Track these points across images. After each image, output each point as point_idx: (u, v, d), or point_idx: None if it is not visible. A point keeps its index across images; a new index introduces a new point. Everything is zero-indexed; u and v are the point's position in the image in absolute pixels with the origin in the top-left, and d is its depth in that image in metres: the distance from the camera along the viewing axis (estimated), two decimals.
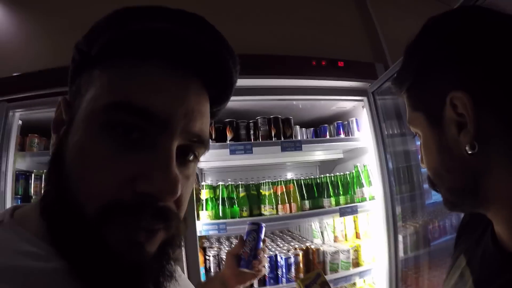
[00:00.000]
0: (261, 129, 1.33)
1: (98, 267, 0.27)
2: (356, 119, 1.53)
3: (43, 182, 1.37)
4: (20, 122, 1.50)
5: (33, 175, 1.40)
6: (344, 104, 1.50)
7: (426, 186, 1.70)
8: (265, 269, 0.90)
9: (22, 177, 1.42)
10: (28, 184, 1.41)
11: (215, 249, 1.38)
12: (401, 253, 1.50)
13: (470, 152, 0.35)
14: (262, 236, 0.86)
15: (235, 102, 1.32)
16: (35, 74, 1.36)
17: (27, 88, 1.36)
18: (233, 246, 0.87)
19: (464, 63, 0.36)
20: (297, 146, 1.27)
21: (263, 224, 0.88)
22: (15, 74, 1.49)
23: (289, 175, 1.63)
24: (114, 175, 0.28)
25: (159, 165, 0.28)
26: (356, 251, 1.49)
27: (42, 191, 0.35)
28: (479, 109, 0.34)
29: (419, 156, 0.48)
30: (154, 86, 0.30)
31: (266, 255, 0.86)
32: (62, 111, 0.34)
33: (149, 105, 0.29)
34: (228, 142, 1.30)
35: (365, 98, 1.47)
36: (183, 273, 1.26)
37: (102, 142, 0.28)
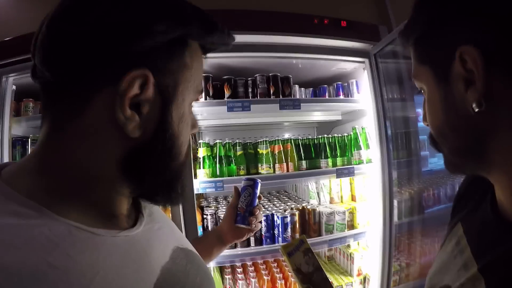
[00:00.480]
0: (260, 87, 1.30)
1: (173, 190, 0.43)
2: (356, 81, 1.51)
3: None
4: (14, 87, 1.46)
5: (29, 140, 1.37)
6: (345, 65, 1.46)
7: (423, 153, 1.71)
8: (260, 225, 0.91)
9: (19, 143, 1.41)
10: (25, 149, 1.39)
11: (213, 208, 1.39)
12: (395, 218, 1.52)
13: (476, 110, 0.34)
14: (258, 192, 0.87)
15: (233, 58, 1.29)
16: (27, 37, 1.30)
17: (19, 52, 1.31)
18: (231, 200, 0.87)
19: (477, 16, 0.34)
20: (295, 105, 1.25)
21: (259, 180, 0.88)
22: (6, 39, 1.44)
23: (287, 136, 1.62)
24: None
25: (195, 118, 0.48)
26: (352, 213, 1.51)
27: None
28: (490, 67, 0.32)
29: (421, 113, 0.46)
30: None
31: (261, 212, 0.88)
32: (150, 87, 0.36)
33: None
34: (226, 99, 1.27)
35: (366, 60, 1.43)
36: (181, 231, 1.28)
37: (191, 114, 0.44)
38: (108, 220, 0.38)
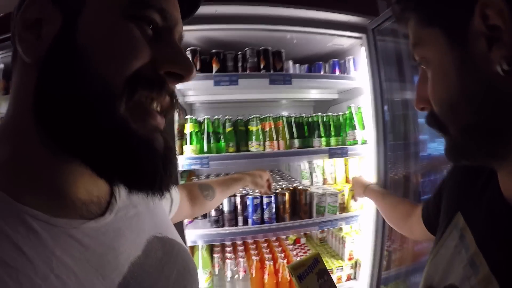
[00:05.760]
0: (249, 60, 1.24)
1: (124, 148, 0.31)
2: (353, 58, 1.44)
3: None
4: (1, 65, 1.45)
5: None
6: (341, 41, 1.39)
7: (422, 137, 1.65)
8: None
9: None
10: None
11: None
12: None
13: (505, 69, 0.28)
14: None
15: (222, 31, 1.23)
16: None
17: (4, 30, 1.29)
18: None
19: None
20: (286, 80, 1.20)
21: None
22: None
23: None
24: (141, 56, 0.32)
25: (181, 54, 0.36)
26: (344, 195, 1.47)
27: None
28: None
29: (416, 93, 0.41)
30: None
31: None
32: (41, 7, 0.31)
33: (167, 8, 0.35)
34: (213, 73, 1.22)
35: (363, 35, 1.36)
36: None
37: (129, 30, 0.32)
38: (71, 207, 0.33)
